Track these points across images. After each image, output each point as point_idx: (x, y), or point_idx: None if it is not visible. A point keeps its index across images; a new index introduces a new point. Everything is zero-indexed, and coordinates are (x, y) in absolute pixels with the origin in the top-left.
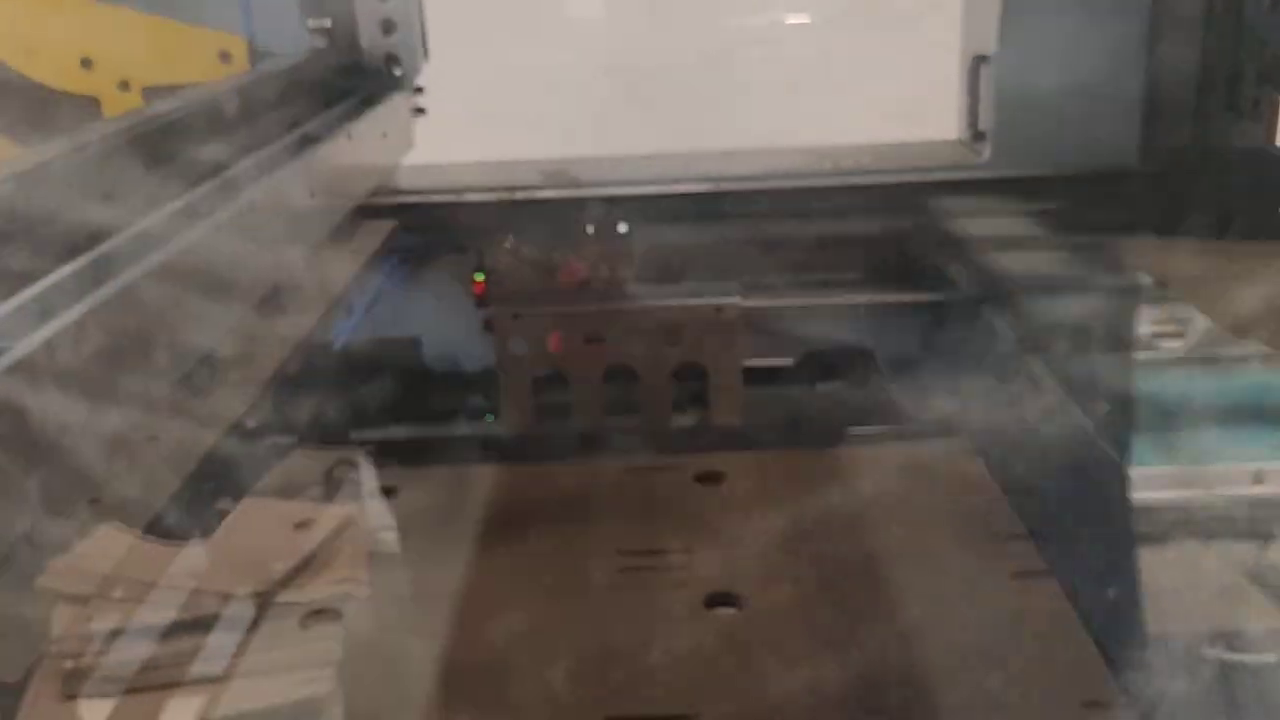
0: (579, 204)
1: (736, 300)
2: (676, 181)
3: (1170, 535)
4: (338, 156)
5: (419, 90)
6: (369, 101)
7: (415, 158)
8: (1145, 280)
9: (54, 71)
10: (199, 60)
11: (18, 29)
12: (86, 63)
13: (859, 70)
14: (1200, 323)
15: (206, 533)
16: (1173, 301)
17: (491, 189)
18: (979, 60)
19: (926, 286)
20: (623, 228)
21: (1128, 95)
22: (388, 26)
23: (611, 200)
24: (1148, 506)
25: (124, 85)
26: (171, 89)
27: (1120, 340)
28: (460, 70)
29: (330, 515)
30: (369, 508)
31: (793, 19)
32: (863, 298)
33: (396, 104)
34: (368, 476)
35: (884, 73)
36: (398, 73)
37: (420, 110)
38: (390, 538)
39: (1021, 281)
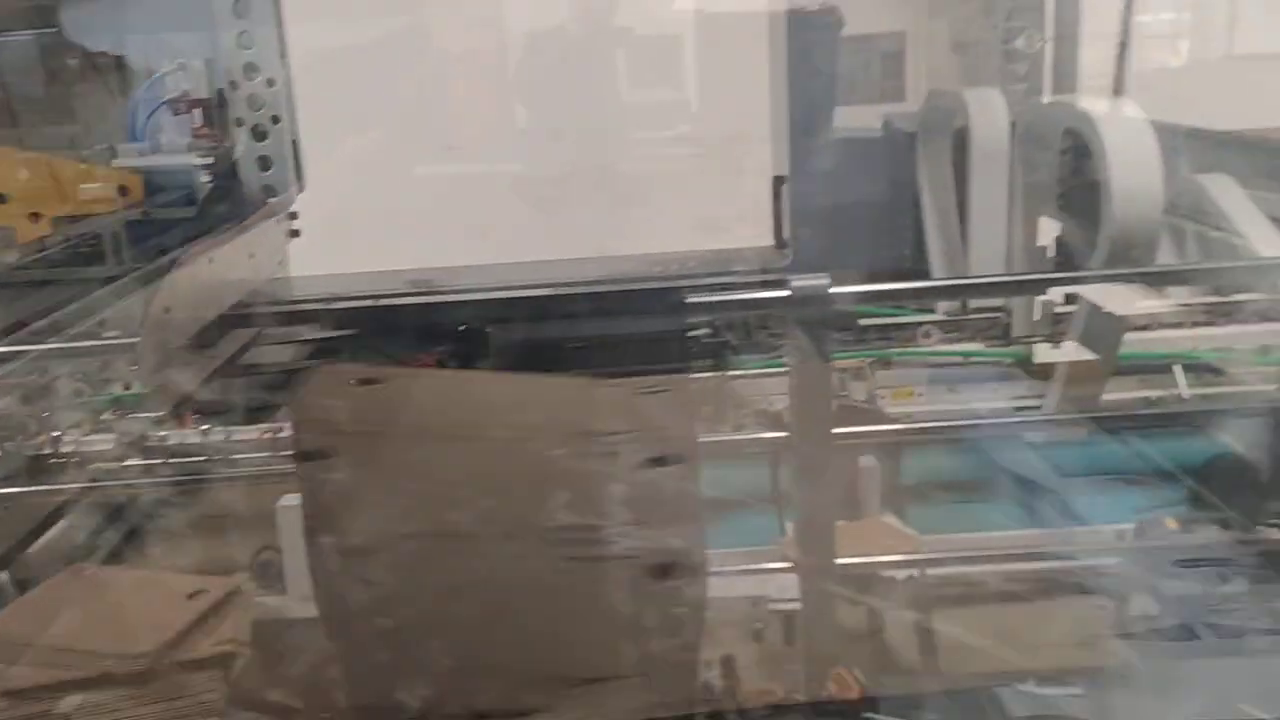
0: (436, 308)
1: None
2: (525, 287)
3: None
4: (199, 277)
5: (293, 216)
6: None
7: (301, 269)
8: None
9: None
10: (100, 194)
11: None
12: (1, 198)
13: (688, 190)
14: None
15: None
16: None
17: (359, 296)
18: (779, 180)
19: None
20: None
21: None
22: (264, 164)
23: (466, 304)
24: None
25: (35, 216)
26: (77, 219)
27: None
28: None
29: (219, 584)
30: None
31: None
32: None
33: (268, 229)
34: None
35: (709, 192)
36: (272, 201)
37: (295, 233)
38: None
39: None
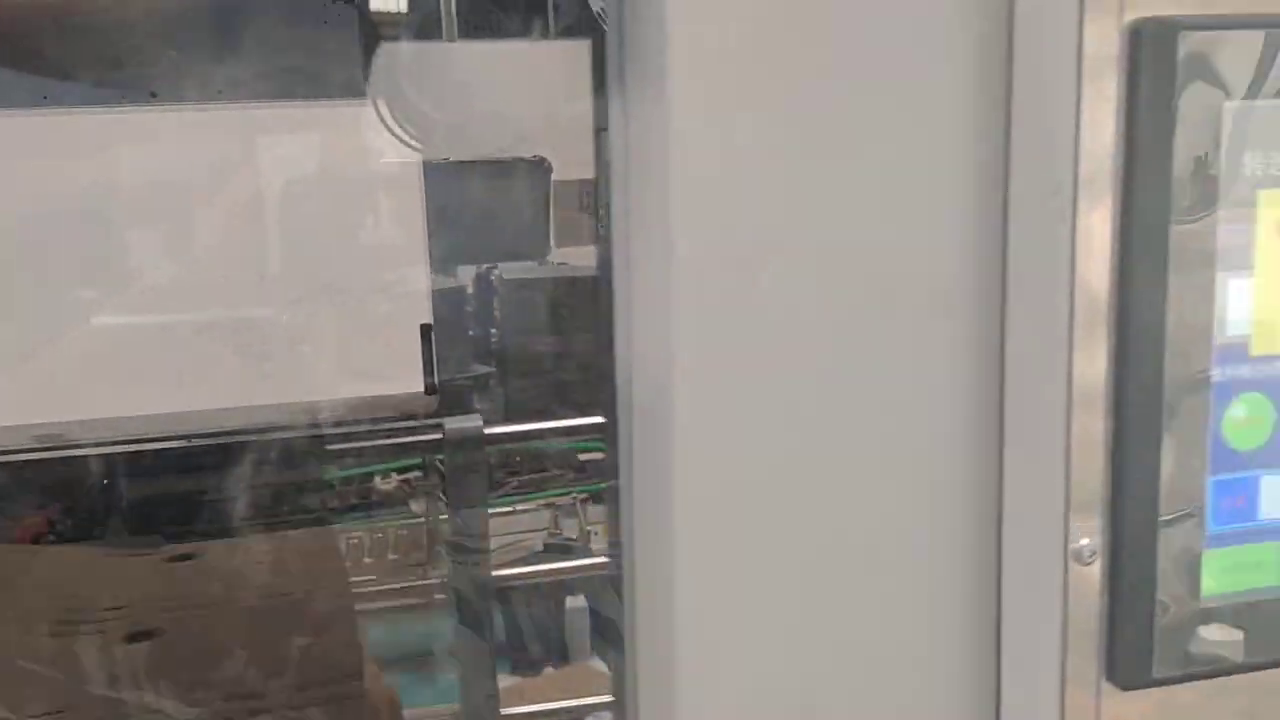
0: (62, 463)
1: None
2: (156, 439)
3: None
4: None
5: None
6: None
7: None
8: None
9: None
10: None
11: None
12: None
13: (348, 340)
14: None
15: None
16: None
17: None
18: (426, 327)
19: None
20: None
21: None
22: None
23: (96, 458)
24: None
25: None
26: None
27: None
28: None
29: None
30: None
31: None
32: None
33: None
34: None
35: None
36: None
37: None
38: None
39: None
